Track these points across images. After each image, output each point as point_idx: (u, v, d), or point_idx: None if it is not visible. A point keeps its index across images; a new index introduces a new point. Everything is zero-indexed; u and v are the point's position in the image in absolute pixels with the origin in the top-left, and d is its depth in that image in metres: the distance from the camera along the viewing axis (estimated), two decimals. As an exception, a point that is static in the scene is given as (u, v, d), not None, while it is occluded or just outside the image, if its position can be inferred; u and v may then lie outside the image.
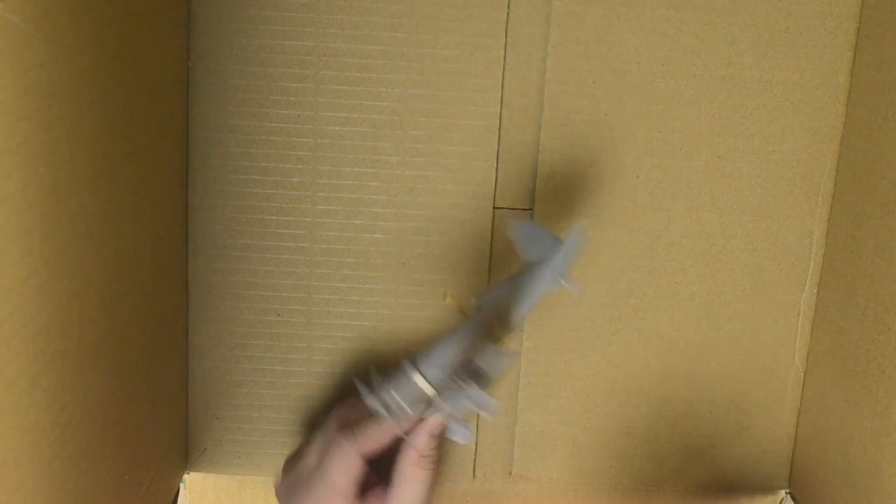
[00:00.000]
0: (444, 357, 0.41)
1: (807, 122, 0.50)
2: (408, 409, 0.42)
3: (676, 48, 0.49)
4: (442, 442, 0.44)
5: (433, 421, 0.43)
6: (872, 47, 0.48)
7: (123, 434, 0.39)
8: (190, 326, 0.51)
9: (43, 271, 0.29)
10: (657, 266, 0.51)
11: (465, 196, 0.50)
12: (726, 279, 0.52)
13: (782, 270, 0.52)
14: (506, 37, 0.48)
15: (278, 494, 0.48)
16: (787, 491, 0.55)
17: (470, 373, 0.42)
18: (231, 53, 0.48)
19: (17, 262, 0.28)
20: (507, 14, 0.48)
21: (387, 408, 0.42)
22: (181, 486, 0.52)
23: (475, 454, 0.54)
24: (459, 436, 0.43)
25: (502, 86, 0.49)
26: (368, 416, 0.44)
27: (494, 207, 0.50)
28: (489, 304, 0.43)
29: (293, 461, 0.48)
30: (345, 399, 0.48)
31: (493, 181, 0.50)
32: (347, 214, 0.50)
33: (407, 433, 0.44)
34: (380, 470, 0.45)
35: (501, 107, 0.49)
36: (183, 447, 0.52)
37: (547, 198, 0.50)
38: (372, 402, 0.43)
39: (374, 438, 0.44)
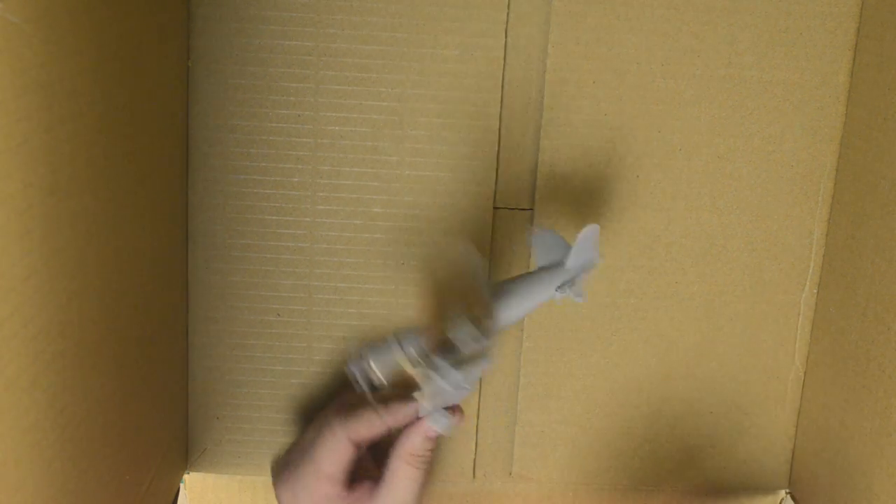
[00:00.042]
0: (427, 336, 0.41)
1: (807, 122, 0.50)
2: (381, 378, 0.41)
3: (676, 48, 0.49)
4: (436, 444, 0.45)
5: (432, 423, 0.43)
6: (872, 47, 0.48)
7: (123, 434, 0.39)
8: (190, 326, 0.51)
9: (43, 271, 0.29)
10: (657, 266, 0.51)
11: (465, 196, 0.50)
12: (726, 279, 0.52)
13: (782, 270, 0.52)
14: (506, 37, 0.48)
15: (272, 472, 0.48)
16: (787, 491, 0.55)
17: (451, 357, 0.41)
18: (231, 53, 0.48)
19: (17, 262, 0.28)
20: (507, 14, 0.48)
21: (365, 377, 0.42)
22: (181, 486, 0.52)
23: (475, 454, 0.54)
24: (437, 423, 0.42)
25: (502, 86, 0.49)
26: (367, 404, 0.44)
27: (494, 207, 0.50)
28: (488, 294, 0.43)
29: (292, 444, 0.48)
30: (346, 390, 0.49)
31: (493, 181, 0.50)
32: (347, 214, 0.50)
33: (402, 428, 0.44)
34: (377, 465, 0.45)
35: (501, 107, 0.49)
36: (183, 447, 0.52)
37: (547, 198, 0.50)
38: (352, 368, 0.42)
39: (367, 425, 0.44)
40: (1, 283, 0.27)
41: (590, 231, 0.43)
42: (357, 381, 0.42)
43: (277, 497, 0.47)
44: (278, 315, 0.51)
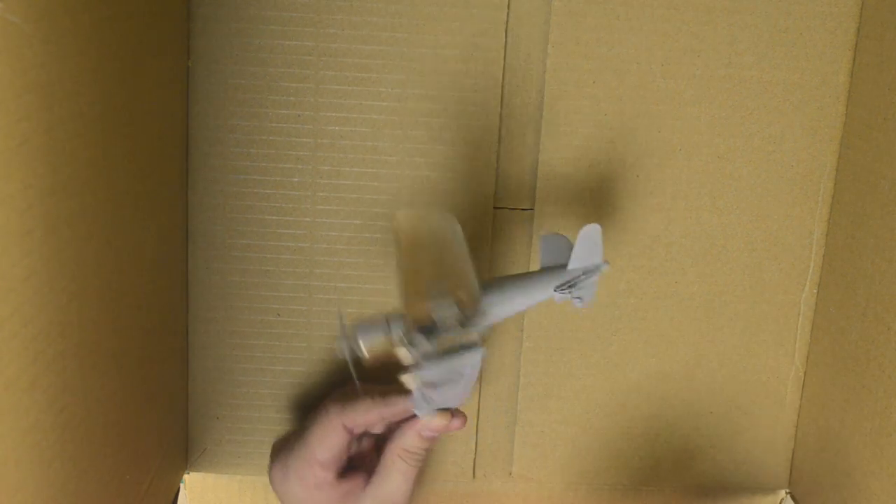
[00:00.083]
0: (412, 317, 0.41)
1: (807, 122, 0.50)
2: (364, 352, 0.41)
3: (676, 48, 0.49)
4: (431, 444, 0.45)
5: (427, 423, 0.43)
6: (872, 47, 0.48)
7: (123, 434, 0.39)
8: (190, 326, 0.51)
9: (43, 271, 0.29)
10: (657, 266, 0.51)
11: (465, 196, 0.50)
12: (726, 279, 0.52)
13: (782, 270, 0.52)
14: (506, 37, 0.48)
15: (271, 453, 0.49)
16: (787, 491, 0.55)
17: (434, 337, 0.41)
18: (231, 53, 0.48)
19: (17, 263, 0.28)
20: (507, 14, 0.48)
21: (350, 351, 0.42)
22: (181, 486, 0.52)
23: (475, 454, 0.54)
24: (418, 407, 0.42)
25: (502, 86, 0.49)
26: (365, 394, 0.45)
27: (494, 207, 0.50)
28: (485, 290, 0.43)
29: (293, 430, 0.49)
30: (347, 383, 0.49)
31: (493, 181, 0.50)
32: (347, 214, 0.50)
33: (399, 422, 0.44)
34: (375, 460, 0.46)
35: (501, 107, 0.49)
36: (183, 447, 0.52)
37: (547, 198, 0.50)
38: (339, 342, 0.42)
39: (362, 413, 0.44)
40: (1, 283, 0.27)
41: (590, 230, 0.43)
42: (343, 355, 0.42)
43: (270, 477, 0.47)
44: (278, 315, 0.51)
